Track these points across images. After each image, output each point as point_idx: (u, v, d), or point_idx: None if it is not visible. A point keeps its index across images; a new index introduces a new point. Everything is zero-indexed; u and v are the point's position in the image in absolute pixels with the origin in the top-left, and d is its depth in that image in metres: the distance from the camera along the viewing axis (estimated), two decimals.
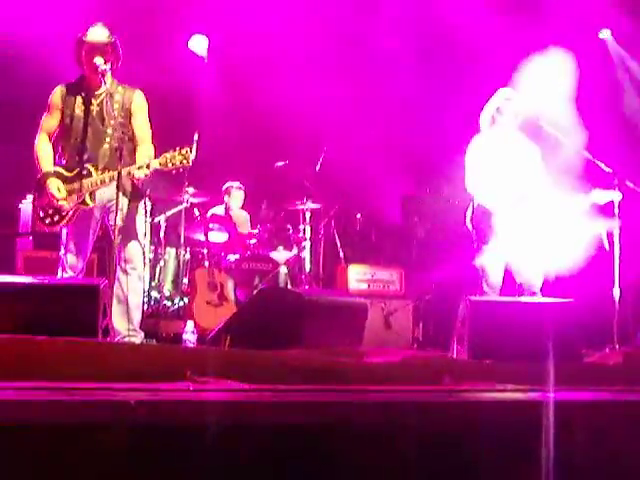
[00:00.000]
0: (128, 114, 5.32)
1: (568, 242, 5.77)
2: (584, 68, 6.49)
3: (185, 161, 5.12)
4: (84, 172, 5.21)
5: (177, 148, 5.12)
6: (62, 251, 5.33)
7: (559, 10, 8.08)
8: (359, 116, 8.97)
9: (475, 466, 2.75)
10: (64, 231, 5.31)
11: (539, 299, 5.66)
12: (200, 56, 9.34)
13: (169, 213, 7.98)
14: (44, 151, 5.33)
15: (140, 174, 5.09)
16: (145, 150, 5.29)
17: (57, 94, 5.35)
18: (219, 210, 8.62)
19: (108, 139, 5.26)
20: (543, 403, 2.88)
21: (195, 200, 8.02)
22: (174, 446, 2.44)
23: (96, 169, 5.22)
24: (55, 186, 5.21)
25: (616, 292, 5.90)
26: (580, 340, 4.97)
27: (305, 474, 2.59)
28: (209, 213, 8.45)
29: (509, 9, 8.11)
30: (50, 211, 5.25)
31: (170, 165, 5.12)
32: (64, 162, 5.32)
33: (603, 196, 5.93)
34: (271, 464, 2.55)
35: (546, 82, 6.20)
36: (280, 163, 8.37)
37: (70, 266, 5.28)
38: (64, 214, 5.23)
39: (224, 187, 8.70)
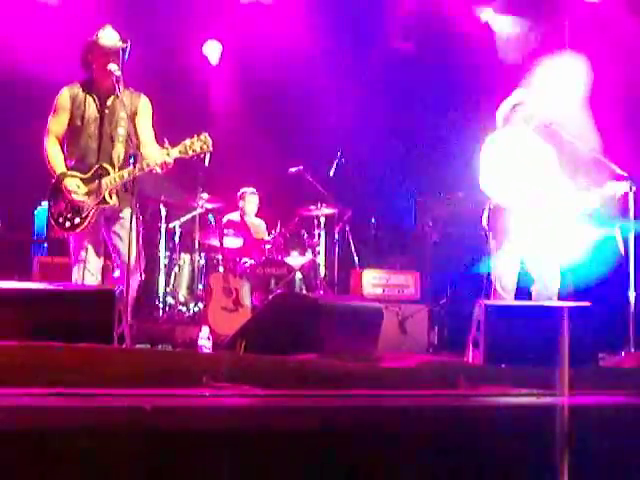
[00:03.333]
0: (133, 117, 5.26)
1: (582, 243, 5.74)
2: (597, 70, 6.47)
3: (205, 146, 5.09)
4: (101, 171, 5.14)
5: (195, 135, 5.09)
6: (83, 254, 5.16)
7: (572, 12, 8.06)
8: (373, 120, 8.97)
9: (491, 471, 2.74)
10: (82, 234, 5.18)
11: (554, 303, 5.63)
12: (214, 61, 9.37)
13: (184, 219, 8.01)
14: (55, 154, 5.22)
15: (158, 166, 5.01)
16: (151, 151, 5.19)
17: (65, 95, 5.24)
18: (234, 216, 8.63)
19: (121, 139, 5.19)
20: (559, 407, 2.87)
21: (210, 206, 8.05)
22: (190, 452, 2.44)
23: (113, 167, 5.16)
24: (74, 184, 5.12)
25: (632, 295, 5.86)
26: (596, 344, 4.95)
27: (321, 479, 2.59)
28: (224, 219, 8.46)
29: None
30: (69, 214, 5.14)
31: (191, 152, 5.08)
32: (73, 164, 5.23)
33: (618, 187, 5.86)
34: (287, 469, 2.55)
35: (559, 85, 6.17)
36: (294, 168, 8.36)
37: (93, 268, 5.20)
38: (84, 216, 5.12)
39: (239, 193, 8.72)
